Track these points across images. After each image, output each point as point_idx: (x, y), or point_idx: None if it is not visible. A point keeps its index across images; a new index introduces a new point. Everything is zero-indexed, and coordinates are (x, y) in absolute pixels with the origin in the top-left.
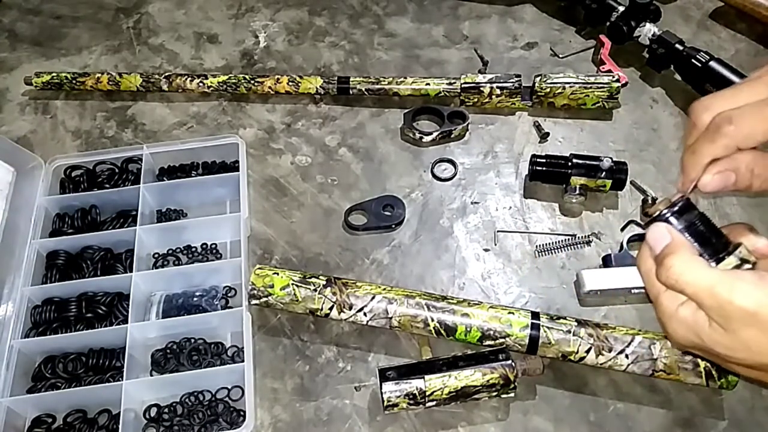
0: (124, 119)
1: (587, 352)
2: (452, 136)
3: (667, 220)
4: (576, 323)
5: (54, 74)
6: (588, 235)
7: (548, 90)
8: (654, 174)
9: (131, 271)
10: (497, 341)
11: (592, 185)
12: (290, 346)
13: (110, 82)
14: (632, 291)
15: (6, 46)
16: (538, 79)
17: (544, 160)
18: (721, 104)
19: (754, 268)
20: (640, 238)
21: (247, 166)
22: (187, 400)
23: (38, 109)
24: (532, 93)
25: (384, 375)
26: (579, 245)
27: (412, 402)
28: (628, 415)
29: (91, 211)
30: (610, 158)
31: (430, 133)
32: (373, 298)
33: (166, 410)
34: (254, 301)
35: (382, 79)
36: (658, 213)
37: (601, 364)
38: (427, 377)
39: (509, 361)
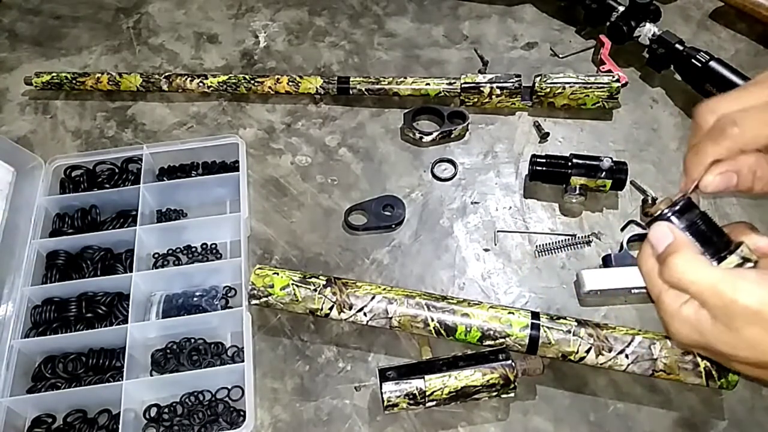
0: (124, 119)
1: (587, 352)
2: (452, 136)
3: (668, 220)
4: (576, 323)
5: (54, 74)
6: (588, 235)
7: (548, 90)
8: (654, 174)
9: (131, 271)
10: (497, 341)
11: (592, 185)
12: (290, 346)
13: (110, 82)
14: (632, 291)
15: (6, 46)
16: (538, 79)
17: (544, 160)
18: (727, 106)
19: (756, 267)
20: (640, 238)
21: (247, 166)
22: (187, 400)
23: (38, 109)
24: (532, 93)
25: (384, 375)
26: (579, 245)
27: (412, 402)
28: (628, 415)
29: (91, 211)
30: (610, 158)
31: (430, 133)
32: (373, 298)
33: (166, 410)
34: (254, 301)
35: (382, 79)
36: (659, 212)
37: (601, 364)
38: (427, 377)
39: (509, 361)
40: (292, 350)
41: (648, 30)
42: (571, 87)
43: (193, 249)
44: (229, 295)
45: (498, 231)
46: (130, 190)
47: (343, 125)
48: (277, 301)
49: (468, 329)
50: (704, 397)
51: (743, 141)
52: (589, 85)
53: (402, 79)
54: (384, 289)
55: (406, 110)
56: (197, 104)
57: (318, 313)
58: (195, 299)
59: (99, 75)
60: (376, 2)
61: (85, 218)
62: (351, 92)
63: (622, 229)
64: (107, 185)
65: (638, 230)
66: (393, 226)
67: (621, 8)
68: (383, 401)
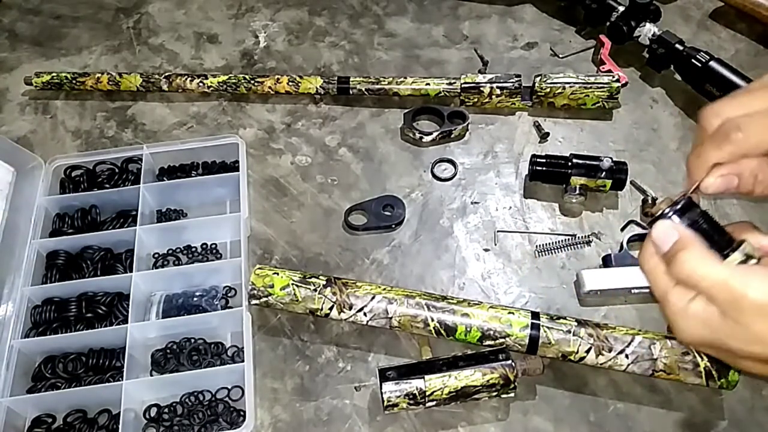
0: (124, 119)
1: (587, 352)
2: (452, 136)
3: (670, 219)
4: (576, 323)
5: (54, 74)
6: (588, 235)
7: (548, 90)
8: (654, 174)
9: (131, 271)
10: (497, 341)
11: (592, 185)
12: (290, 346)
13: (110, 82)
14: (632, 291)
15: (6, 46)
16: (538, 79)
17: (544, 160)
18: (732, 110)
19: (758, 264)
20: (640, 238)
21: (247, 166)
22: (187, 400)
23: (38, 109)
24: (532, 93)
25: (384, 375)
26: (579, 245)
27: (412, 402)
28: (628, 415)
29: (91, 211)
30: (610, 158)
31: (430, 133)
32: (373, 298)
33: (166, 410)
34: (254, 301)
35: (382, 79)
36: (661, 212)
37: (601, 364)
38: (427, 377)
39: (509, 361)
40: (292, 350)
41: (648, 30)
42: (571, 87)
43: (193, 249)
44: (229, 295)
45: (498, 231)
46: (130, 190)
47: (343, 125)
48: (277, 301)
49: (468, 329)
50: (704, 397)
51: (746, 146)
52: (589, 85)
53: (402, 79)
54: (384, 289)
55: (406, 110)
56: (197, 104)
57: (318, 313)
58: (195, 299)
59: (99, 75)
60: (376, 2)
61: (85, 218)
62: (351, 92)
63: (622, 229)
64: (107, 185)
65: (638, 230)
66: (393, 226)
67: (621, 8)
68: (383, 401)
